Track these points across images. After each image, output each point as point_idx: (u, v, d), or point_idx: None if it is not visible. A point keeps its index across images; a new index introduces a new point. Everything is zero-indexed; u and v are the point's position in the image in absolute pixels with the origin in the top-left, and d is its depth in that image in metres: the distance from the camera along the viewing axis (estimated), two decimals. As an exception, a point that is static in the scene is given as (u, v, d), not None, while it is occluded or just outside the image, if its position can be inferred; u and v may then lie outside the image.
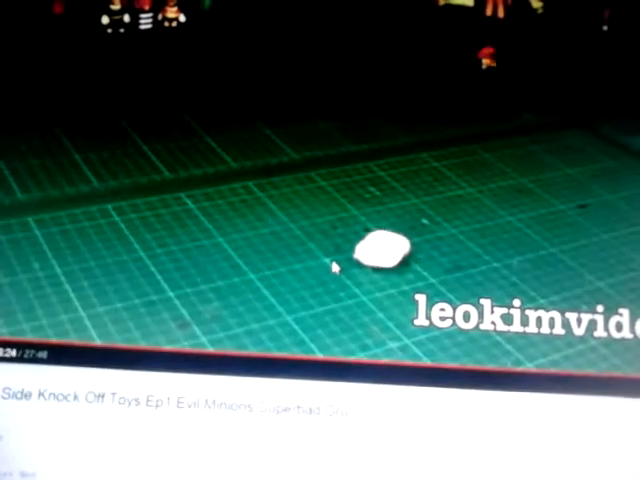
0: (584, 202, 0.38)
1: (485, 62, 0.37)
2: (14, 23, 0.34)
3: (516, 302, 0.36)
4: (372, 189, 0.37)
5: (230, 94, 0.36)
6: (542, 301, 0.36)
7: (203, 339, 0.33)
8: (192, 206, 0.35)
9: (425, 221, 0.36)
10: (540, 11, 0.40)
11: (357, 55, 0.38)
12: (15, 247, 0.33)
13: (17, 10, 0.34)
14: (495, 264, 0.36)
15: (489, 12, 0.40)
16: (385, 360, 0.34)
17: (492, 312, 0.36)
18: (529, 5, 0.40)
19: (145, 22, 0.37)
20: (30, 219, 0.33)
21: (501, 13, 0.40)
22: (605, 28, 0.40)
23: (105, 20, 0.36)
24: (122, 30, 0.36)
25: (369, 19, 0.38)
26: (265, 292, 0.33)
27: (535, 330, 0.35)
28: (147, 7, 0.37)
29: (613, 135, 0.39)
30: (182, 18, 0.37)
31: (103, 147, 0.35)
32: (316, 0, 0.37)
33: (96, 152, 0.35)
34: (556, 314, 0.36)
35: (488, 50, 0.38)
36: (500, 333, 0.35)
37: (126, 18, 0.37)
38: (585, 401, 0.34)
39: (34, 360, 0.31)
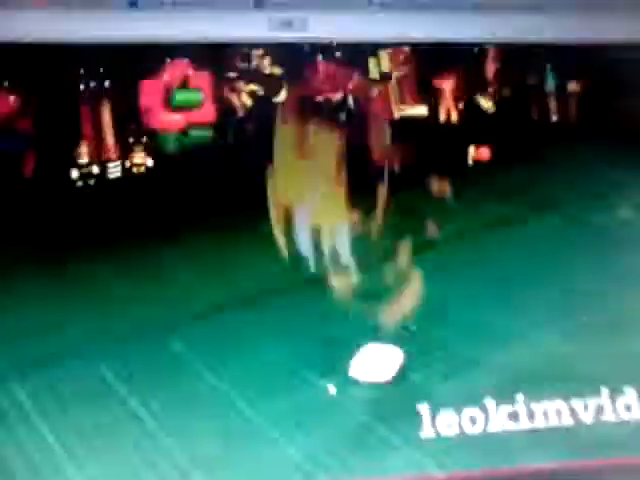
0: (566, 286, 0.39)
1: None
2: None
3: (519, 397, 0.36)
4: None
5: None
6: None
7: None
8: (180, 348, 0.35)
9: (413, 327, 0.36)
10: (491, 110, 0.43)
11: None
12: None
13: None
14: (492, 364, 0.35)
15: (443, 117, 0.42)
16: (396, 477, 0.33)
17: (497, 412, 0.35)
18: (479, 106, 0.42)
19: (113, 171, 0.38)
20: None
21: (454, 117, 0.42)
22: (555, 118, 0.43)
23: (75, 174, 0.38)
24: (92, 182, 0.38)
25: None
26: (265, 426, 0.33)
27: (543, 424, 0.35)
28: (115, 155, 0.38)
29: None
30: (149, 162, 0.39)
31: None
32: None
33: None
34: (561, 403, 0.36)
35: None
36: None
37: (95, 169, 0.38)
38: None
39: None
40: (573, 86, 0.43)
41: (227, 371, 0.33)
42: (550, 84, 0.43)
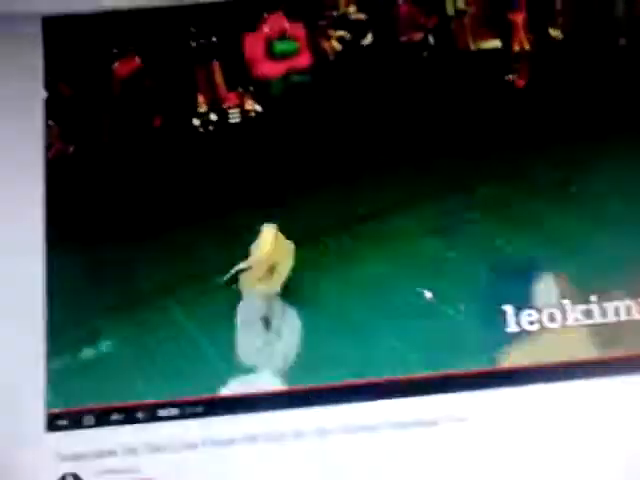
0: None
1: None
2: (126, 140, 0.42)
3: (593, 297, 0.40)
4: (445, 219, 0.41)
5: (299, 164, 0.42)
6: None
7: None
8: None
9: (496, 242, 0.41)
10: (560, 37, 0.45)
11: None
12: (158, 323, 0.39)
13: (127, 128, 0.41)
14: (569, 268, 0.40)
15: (517, 48, 0.46)
16: (488, 367, 0.39)
17: (573, 310, 0.40)
18: (549, 35, 0.45)
19: (230, 117, 0.44)
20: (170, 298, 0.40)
21: (527, 46, 0.46)
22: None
23: (196, 122, 0.43)
24: (211, 128, 0.43)
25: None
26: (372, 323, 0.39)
27: (615, 319, 0.39)
28: (229, 103, 0.43)
29: None
30: (258, 108, 0.44)
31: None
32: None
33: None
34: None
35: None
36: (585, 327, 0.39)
37: (212, 117, 0.44)
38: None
39: (193, 415, 0.37)
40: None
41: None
42: (619, 9, 0.46)
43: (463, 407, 0.37)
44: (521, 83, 0.43)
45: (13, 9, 0.43)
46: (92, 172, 0.42)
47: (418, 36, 0.45)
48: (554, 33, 0.45)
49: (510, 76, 0.43)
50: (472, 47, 0.45)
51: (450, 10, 0.45)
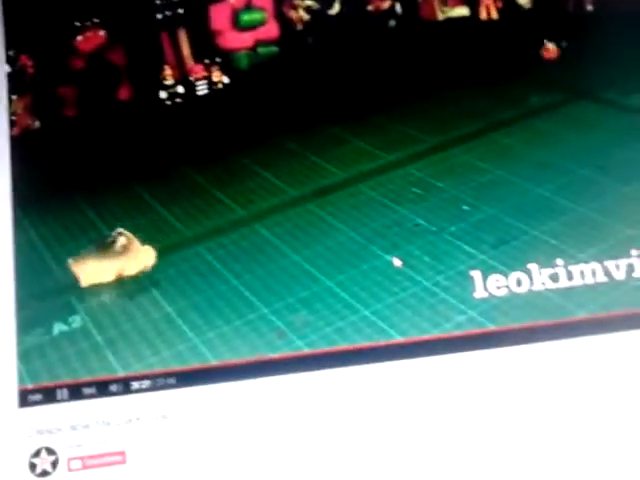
0: (601, 163, 0.43)
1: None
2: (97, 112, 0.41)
3: (559, 261, 0.41)
4: (415, 189, 0.42)
5: (272, 129, 0.42)
6: (582, 255, 0.40)
7: (299, 343, 0.38)
8: (267, 234, 0.41)
9: (466, 207, 0.41)
10: (527, 6, 0.45)
11: (374, 72, 0.43)
12: (130, 297, 0.39)
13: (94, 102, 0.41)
14: (535, 232, 0.40)
15: (484, 16, 0.45)
16: (456, 332, 0.39)
17: (540, 274, 0.40)
18: (516, 3, 0.45)
19: (196, 89, 0.43)
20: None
21: (494, 15, 0.45)
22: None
23: (163, 95, 0.43)
24: (178, 100, 0.43)
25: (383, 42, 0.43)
26: (343, 294, 0.39)
27: (581, 282, 0.40)
28: (196, 76, 0.43)
29: (613, 99, 0.44)
30: (225, 80, 0.43)
31: (184, 200, 0.42)
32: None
33: (179, 205, 0.42)
34: (596, 265, 0.40)
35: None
36: (550, 290, 0.40)
37: (180, 89, 0.43)
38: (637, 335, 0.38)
39: (165, 386, 0.38)
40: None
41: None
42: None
43: (436, 372, 0.38)
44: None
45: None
46: (58, 147, 0.42)
47: (385, 5, 0.45)
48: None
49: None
50: (440, 16, 0.45)
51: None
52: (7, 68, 0.42)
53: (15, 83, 0.41)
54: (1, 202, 0.40)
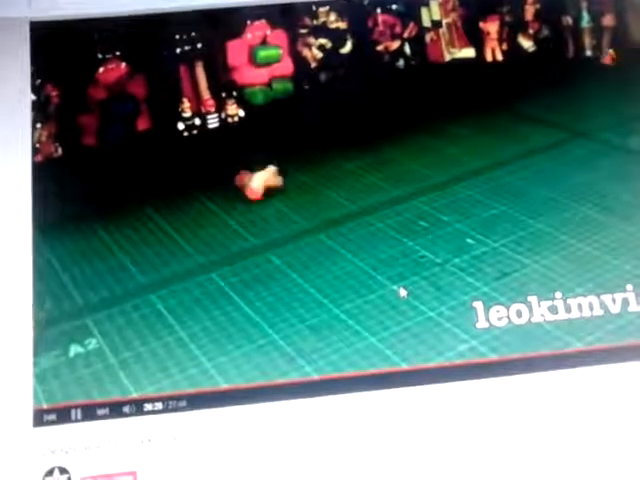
0: (600, 201, 0.43)
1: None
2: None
3: (558, 294, 0.41)
4: (421, 222, 0.43)
5: (285, 161, 0.43)
6: (579, 289, 0.41)
7: (307, 368, 0.39)
8: (278, 263, 0.41)
9: (469, 240, 0.42)
10: (531, 50, 0.47)
11: (383, 111, 0.44)
12: (145, 320, 0.39)
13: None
14: (535, 266, 0.41)
15: (489, 59, 0.46)
16: (459, 361, 0.39)
17: (539, 306, 0.41)
18: (520, 46, 0.47)
19: (212, 122, 0.44)
20: (153, 296, 0.40)
21: (499, 57, 0.47)
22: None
23: (181, 126, 0.43)
24: (195, 132, 0.43)
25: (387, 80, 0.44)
26: (350, 322, 0.39)
27: (578, 314, 0.41)
28: (212, 109, 0.44)
29: (610, 139, 0.45)
30: (241, 113, 0.44)
31: (197, 227, 0.42)
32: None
33: (192, 232, 0.42)
34: (593, 298, 0.41)
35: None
36: (549, 322, 0.40)
37: (196, 121, 0.44)
38: (633, 367, 0.39)
39: (177, 409, 0.38)
40: (607, 21, 0.47)
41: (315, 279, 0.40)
42: (585, 21, 0.47)
43: (438, 399, 0.38)
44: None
45: (2, 14, 0.44)
46: (78, 174, 0.43)
47: (394, 45, 0.46)
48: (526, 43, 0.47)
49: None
50: (446, 57, 0.46)
51: (426, 21, 0.46)
52: (33, 97, 0.43)
53: (40, 112, 0.42)
54: (22, 226, 0.40)
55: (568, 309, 0.40)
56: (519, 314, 0.40)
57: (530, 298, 0.40)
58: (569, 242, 0.42)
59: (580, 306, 0.40)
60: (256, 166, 0.42)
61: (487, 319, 0.40)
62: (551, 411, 0.38)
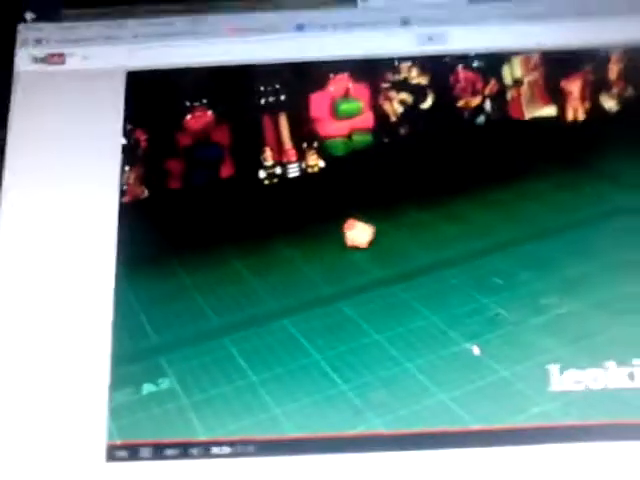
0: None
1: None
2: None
3: (636, 361, 0.40)
4: (496, 279, 0.42)
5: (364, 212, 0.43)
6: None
7: (376, 422, 0.38)
8: (350, 313, 0.41)
9: (546, 301, 0.41)
10: (614, 110, 0.46)
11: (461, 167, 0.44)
12: (217, 363, 0.40)
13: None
14: (613, 330, 0.40)
15: (570, 117, 0.46)
16: (530, 424, 0.38)
17: (617, 372, 0.39)
18: (603, 106, 0.46)
19: (292, 171, 0.45)
20: (227, 339, 0.41)
21: (581, 116, 0.46)
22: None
23: (262, 174, 0.44)
24: (275, 180, 0.44)
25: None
26: (420, 377, 0.39)
27: (659, 384, 0.39)
28: (294, 159, 0.44)
29: None
30: (321, 164, 0.45)
31: (274, 272, 0.42)
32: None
33: (268, 277, 0.42)
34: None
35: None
36: (627, 389, 0.39)
37: (277, 170, 0.45)
38: None
39: (244, 454, 0.38)
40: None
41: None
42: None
43: (508, 462, 0.37)
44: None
45: (97, 66, 0.46)
46: (163, 216, 0.44)
47: (475, 102, 0.46)
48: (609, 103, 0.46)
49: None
50: (527, 115, 0.46)
51: (507, 79, 0.46)
52: (123, 141, 0.44)
53: (129, 155, 0.44)
54: (106, 264, 0.42)
55: (647, 377, 0.38)
56: (595, 379, 0.39)
57: (608, 363, 0.39)
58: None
59: (661, 375, 0.38)
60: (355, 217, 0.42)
61: (561, 382, 0.38)
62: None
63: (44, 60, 0.47)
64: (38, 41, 0.47)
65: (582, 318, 0.40)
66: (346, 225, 0.42)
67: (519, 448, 0.37)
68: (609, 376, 0.38)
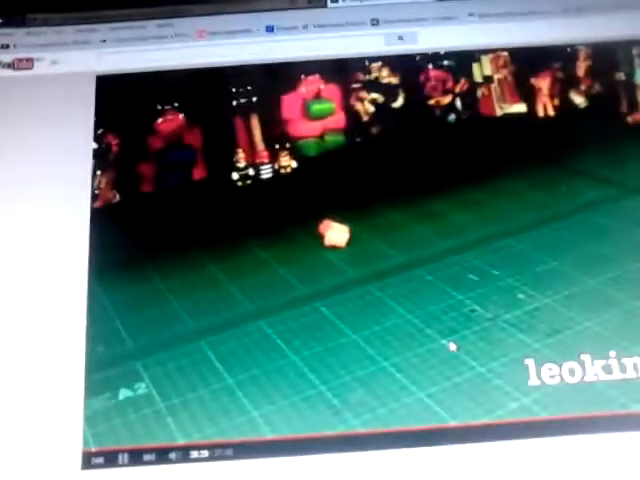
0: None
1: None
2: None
3: (612, 353, 0.40)
4: (472, 276, 0.42)
5: (336, 211, 0.43)
6: (635, 348, 0.39)
7: (354, 422, 0.38)
8: (327, 313, 0.41)
9: (521, 296, 0.41)
10: (583, 105, 0.46)
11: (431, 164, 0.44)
12: (194, 366, 0.39)
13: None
14: (588, 323, 0.40)
15: (540, 114, 0.46)
16: (509, 419, 0.38)
17: (593, 365, 0.40)
18: (572, 102, 0.46)
19: (265, 172, 0.45)
20: (203, 342, 0.40)
21: (551, 113, 0.46)
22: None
23: (235, 176, 0.44)
24: (248, 182, 0.44)
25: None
26: (398, 376, 0.38)
27: (634, 375, 0.39)
28: (266, 160, 0.44)
29: None
30: (294, 164, 0.44)
31: (249, 275, 0.42)
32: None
33: (244, 280, 0.42)
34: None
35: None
36: (603, 382, 0.39)
37: (250, 172, 0.44)
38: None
39: (223, 457, 0.37)
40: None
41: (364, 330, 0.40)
42: (638, 77, 0.46)
43: (487, 458, 0.37)
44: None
45: (66, 71, 0.45)
46: (134, 220, 0.43)
47: (446, 100, 0.46)
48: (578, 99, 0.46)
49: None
50: (498, 112, 0.46)
51: (478, 77, 0.46)
52: (94, 145, 0.44)
53: (100, 159, 0.43)
54: (78, 269, 0.41)
55: (623, 369, 0.39)
56: (572, 372, 0.39)
57: (583, 356, 0.39)
58: (624, 300, 0.40)
59: (636, 366, 0.38)
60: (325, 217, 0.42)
61: (539, 377, 0.38)
62: (604, 474, 0.36)
63: (11, 65, 0.46)
64: (5, 46, 0.47)
65: (557, 312, 0.40)
66: (322, 225, 0.43)
67: (498, 444, 0.37)
68: (586, 369, 0.39)
